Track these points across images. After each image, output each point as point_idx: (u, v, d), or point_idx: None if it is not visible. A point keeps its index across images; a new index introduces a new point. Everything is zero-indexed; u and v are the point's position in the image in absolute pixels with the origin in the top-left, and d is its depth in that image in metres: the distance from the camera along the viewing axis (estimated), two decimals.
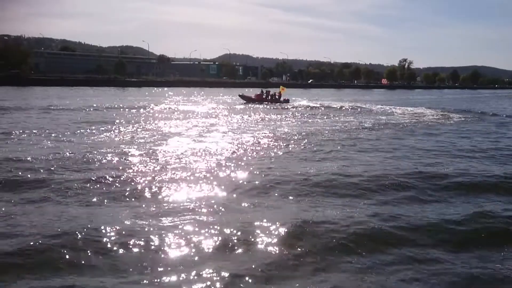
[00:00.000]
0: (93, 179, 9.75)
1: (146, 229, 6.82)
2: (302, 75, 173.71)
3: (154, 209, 7.92)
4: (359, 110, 36.49)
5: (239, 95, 46.33)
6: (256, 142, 16.28)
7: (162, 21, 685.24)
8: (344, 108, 38.14)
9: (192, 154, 13.34)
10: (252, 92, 50.74)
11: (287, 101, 43.26)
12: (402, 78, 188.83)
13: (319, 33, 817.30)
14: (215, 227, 6.93)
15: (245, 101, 43.40)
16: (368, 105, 42.03)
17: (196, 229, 6.86)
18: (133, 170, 10.89)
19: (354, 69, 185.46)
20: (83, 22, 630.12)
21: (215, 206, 8.07)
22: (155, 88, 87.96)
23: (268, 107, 37.98)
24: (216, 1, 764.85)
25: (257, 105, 39.43)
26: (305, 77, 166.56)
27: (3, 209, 7.72)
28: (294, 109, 36.46)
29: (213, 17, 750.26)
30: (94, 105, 35.49)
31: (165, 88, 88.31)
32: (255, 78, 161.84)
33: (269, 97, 43.49)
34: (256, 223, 7.11)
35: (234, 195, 8.95)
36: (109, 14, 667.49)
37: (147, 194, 8.87)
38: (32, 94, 52.20)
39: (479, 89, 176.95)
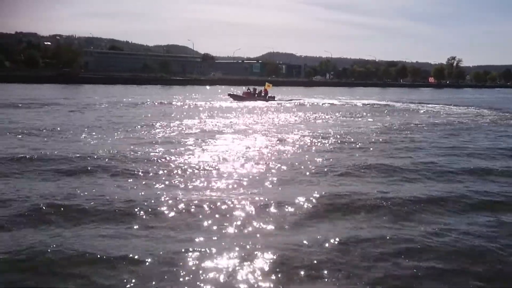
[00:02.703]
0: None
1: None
2: (346, 73, 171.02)
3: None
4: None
5: (229, 94, 47.09)
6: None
7: (207, 20, 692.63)
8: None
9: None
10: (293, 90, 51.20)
11: (272, 98, 44.78)
12: (450, 76, 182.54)
13: (362, 31, 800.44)
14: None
15: (234, 100, 44.17)
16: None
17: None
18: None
19: (400, 67, 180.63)
20: (130, 22, 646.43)
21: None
22: (198, 87, 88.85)
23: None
24: (259, 0, 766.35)
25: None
26: (349, 76, 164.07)
27: None
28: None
29: (256, 16, 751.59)
30: (140, 102, 36.70)
31: (207, 87, 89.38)
32: (323, 77, 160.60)
33: (256, 95, 45.15)
34: None
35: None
36: (155, 13, 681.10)
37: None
38: (81, 91, 54.19)
39: None
